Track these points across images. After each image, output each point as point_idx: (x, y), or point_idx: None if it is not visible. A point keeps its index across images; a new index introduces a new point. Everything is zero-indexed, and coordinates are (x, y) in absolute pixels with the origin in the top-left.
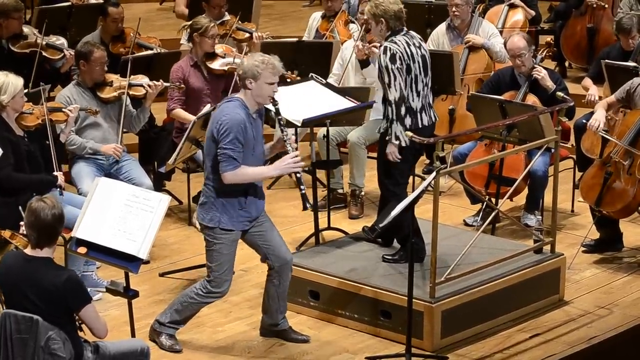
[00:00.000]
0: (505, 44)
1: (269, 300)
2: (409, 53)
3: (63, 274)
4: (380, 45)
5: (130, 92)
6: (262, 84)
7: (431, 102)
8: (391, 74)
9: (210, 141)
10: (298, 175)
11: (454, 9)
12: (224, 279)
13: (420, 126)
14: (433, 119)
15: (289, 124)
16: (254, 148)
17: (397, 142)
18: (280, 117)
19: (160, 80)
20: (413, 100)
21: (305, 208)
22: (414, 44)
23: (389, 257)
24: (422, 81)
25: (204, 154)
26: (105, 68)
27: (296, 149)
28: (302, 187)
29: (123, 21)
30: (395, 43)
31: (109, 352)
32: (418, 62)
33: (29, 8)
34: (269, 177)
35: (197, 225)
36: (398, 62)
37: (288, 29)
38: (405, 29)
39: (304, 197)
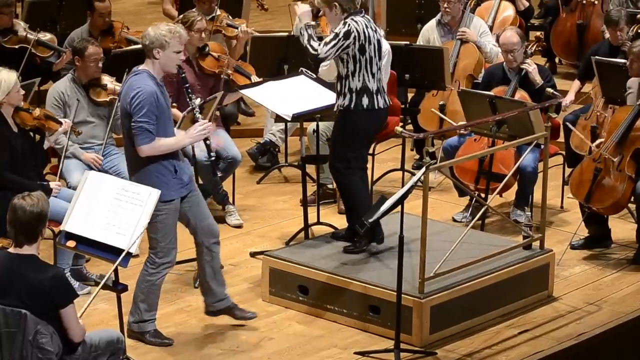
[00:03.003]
0: (497, 38)
1: (206, 279)
2: (366, 34)
3: (49, 271)
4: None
5: None
6: (170, 53)
7: (385, 86)
8: (333, 41)
9: (125, 118)
10: (208, 142)
11: (445, 5)
12: (170, 247)
13: (376, 107)
14: (387, 102)
15: (279, 119)
16: (169, 117)
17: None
18: (187, 85)
19: None
20: (369, 82)
21: (214, 175)
22: (371, 27)
23: (351, 248)
24: (377, 64)
25: (124, 135)
26: (100, 65)
27: (204, 117)
28: (211, 154)
29: (110, 15)
30: (356, 22)
31: (95, 343)
32: (374, 44)
33: (19, 1)
34: (183, 146)
35: None
36: (351, 39)
37: (278, 23)
38: (363, 11)
39: (213, 164)
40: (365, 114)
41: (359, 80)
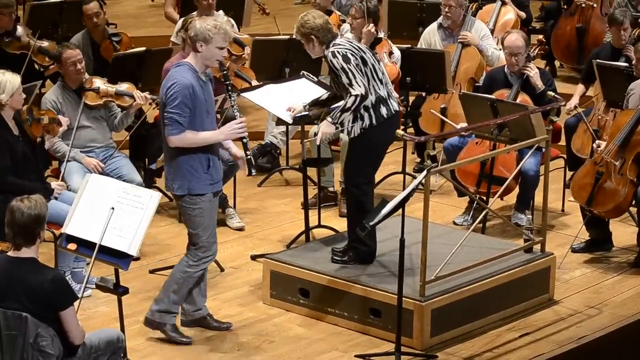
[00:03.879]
0: (502, 41)
1: (194, 286)
2: (356, 46)
3: (49, 273)
4: (323, 57)
5: (117, 102)
6: (213, 48)
7: (392, 89)
8: (349, 73)
9: (162, 108)
10: (244, 140)
11: (446, 9)
12: (212, 241)
13: (393, 112)
14: (399, 105)
15: (280, 122)
16: (207, 111)
17: (339, 128)
18: (228, 82)
19: (147, 94)
20: (380, 89)
21: (250, 173)
22: (355, 42)
23: (338, 258)
24: (379, 69)
25: (162, 124)
26: (79, 66)
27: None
28: (247, 152)
29: (99, 16)
30: (340, 44)
31: (95, 344)
32: (367, 51)
33: (20, 4)
34: (214, 141)
35: None
36: (352, 58)
37: (279, 26)
38: (337, 34)
39: (249, 163)
40: (384, 124)
41: (371, 94)
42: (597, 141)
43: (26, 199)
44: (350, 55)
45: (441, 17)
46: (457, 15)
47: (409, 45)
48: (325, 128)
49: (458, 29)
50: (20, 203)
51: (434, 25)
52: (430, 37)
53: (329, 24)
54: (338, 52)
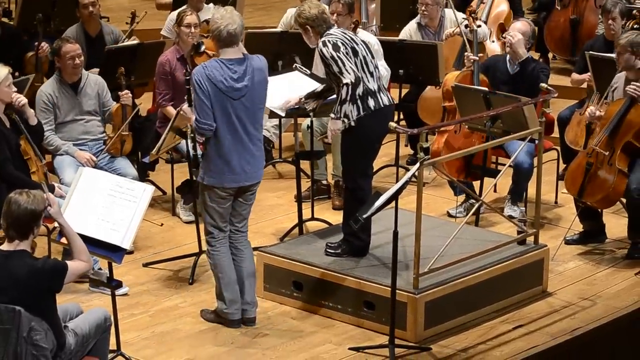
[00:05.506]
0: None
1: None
2: (349, 37)
3: (39, 262)
4: (316, 46)
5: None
6: None
7: (385, 84)
8: (339, 61)
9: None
10: None
11: (423, 7)
12: None
13: (382, 105)
14: (391, 100)
15: (273, 114)
16: None
17: (346, 122)
18: None
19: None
20: (368, 82)
21: None
22: (348, 33)
23: (332, 251)
24: (371, 62)
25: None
26: (77, 61)
27: None
28: None
29: (95, 6)
30: (332, 34)
31: (86, 332)
32: (360, 44)
33: None
34: None
35: (181, 216)
36: (342, 47)
37: (273, 19)
38: (333, 25)
39: None
40: (373, 117)
41: (359, 86)
42: (589, 108)
43: (25, 193)
44: (340, 44)
45: (418, 15)
46: (434, 12)
47: (402, 38)
48: (332, 125)
49: (437, 27)
50: (19, 196)
51: (413, 24)
52: (413, 35)
53: (325, 14)
54: (329, 41)
